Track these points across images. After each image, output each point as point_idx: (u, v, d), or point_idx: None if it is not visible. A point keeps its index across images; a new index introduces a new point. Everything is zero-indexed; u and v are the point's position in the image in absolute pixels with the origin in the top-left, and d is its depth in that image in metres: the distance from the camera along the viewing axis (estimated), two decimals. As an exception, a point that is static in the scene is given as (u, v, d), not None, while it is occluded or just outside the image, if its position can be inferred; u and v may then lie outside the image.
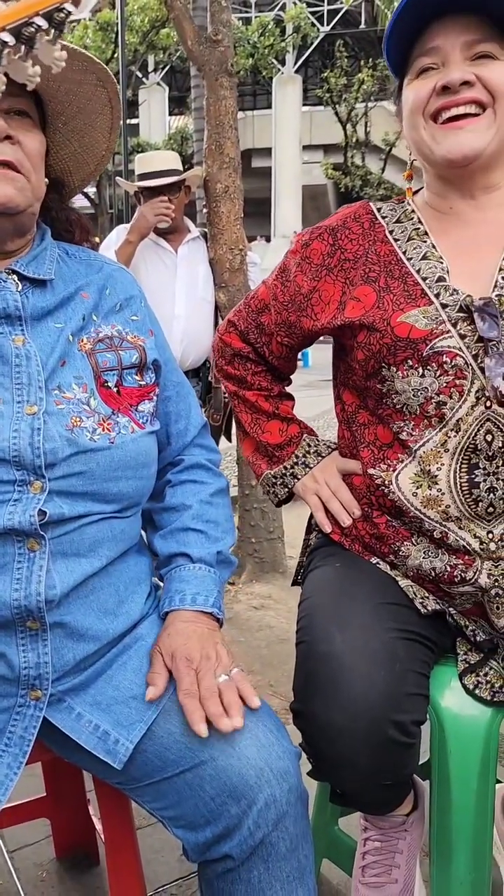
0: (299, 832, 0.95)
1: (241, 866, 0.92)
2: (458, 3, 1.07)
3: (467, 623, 1.16)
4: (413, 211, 1.21)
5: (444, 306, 1.09)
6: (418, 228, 1.18)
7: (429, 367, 1.08)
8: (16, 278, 1.02)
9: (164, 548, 1.13)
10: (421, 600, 1.14)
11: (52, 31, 0.56)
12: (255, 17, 19.23)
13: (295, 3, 19.51)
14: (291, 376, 1.47)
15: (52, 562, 0.94)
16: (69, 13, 0.57)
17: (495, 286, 1.09)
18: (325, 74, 17.97)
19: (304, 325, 1.24)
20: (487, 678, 1.15)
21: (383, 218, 1.22)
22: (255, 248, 3.11)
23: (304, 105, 23.64)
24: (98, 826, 1.50)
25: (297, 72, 23.42)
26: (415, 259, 1.15)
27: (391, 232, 1.19)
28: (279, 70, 21.56)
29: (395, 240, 1.18)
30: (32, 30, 0.55)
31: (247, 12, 21.90)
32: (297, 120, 23.23)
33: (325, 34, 22.40)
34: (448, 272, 1.12)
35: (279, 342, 1.31)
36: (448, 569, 1.11)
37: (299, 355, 1.45)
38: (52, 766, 1.48)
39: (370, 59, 17.82)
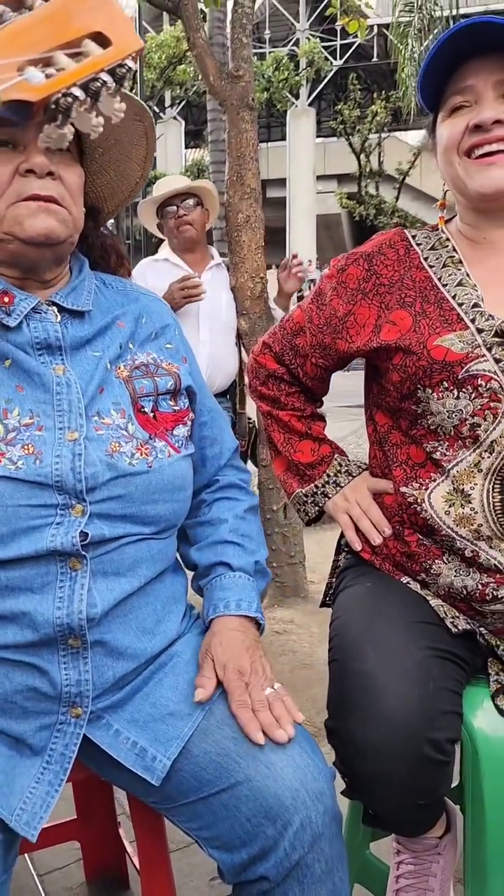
0: (335, 854, 0.95)
1: (276, 888, 0.92)
2: (492, 43, 1.11)
3: (499, 643, 1.17)
4: (448, 239, 1.25)
5: (479, 331, 1.12)
6: (453, 256, 1.22)
7: (464, 390, 1.10)
8: (55, 310, 1.05)
9: (202, 559, 1.16)
10: (451, 619, 1.15)
11: (115, 84, 0.60)
12: (270, 52, 19.62)
13: (308, 39, 19.91)
14: (323, 398, 1.50)
15: (92, 580, 0.97)
16: (130, 68, 0.60)
17: None
18: (339, 106, 18.27)
19: (339, 346, 1.27)
20: (520, 698, 1.15)
21: (418, 245, 1.25)
22: (271, 275, 3.19)
23: (318, 136, 23.98)
24: (129, 849, 1.51)
25: (310, 104, 23.77)
26: (450, 285, 1.18)
27: (426, 259, 1.23)
28: (293, 103, 21.92)
29: (430, 266, 1.21)
30: (98, 84, 0.59)
31: (261, 48, 22.33)
32: (311, 151, 23.54)
33: (339, 68, 22.77)
34: (483, 299, 1.15)
35: (314, 363, 1.34)
36: (479, 587, 1.12)
37: None
38: (82, 788, 1.48)
39: (383, 91, 18.09)
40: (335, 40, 23.28)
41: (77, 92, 0.58)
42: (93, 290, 1.11)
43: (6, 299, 1.01)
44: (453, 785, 1.43)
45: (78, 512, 0.96)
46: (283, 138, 23.90)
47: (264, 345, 1.41)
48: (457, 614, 1.17)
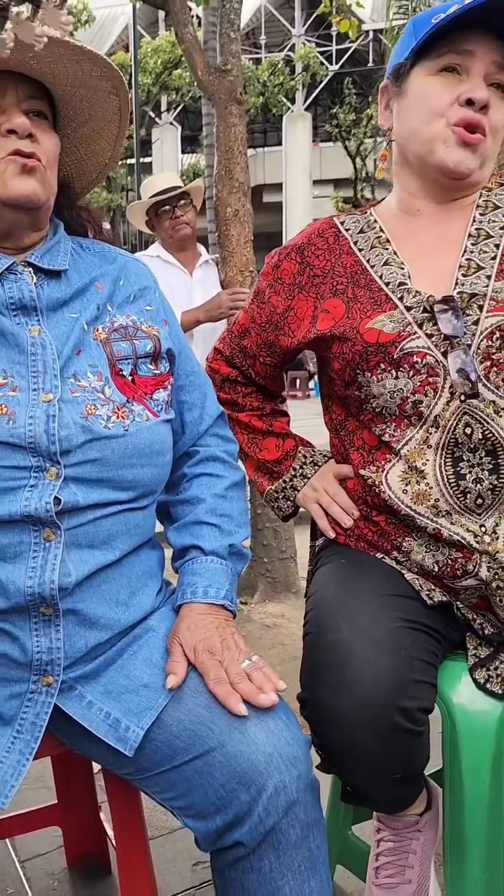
0: (310, 820, 0.94)
1: (252, 854, 0.92)
2: (497, 28, 1.10)
3: (475, 616, 1.17)
4: (375, 220, 1.26)
5: (408, 308, 1.13)
6: (380, 236, 1.23)
7: (401, 369, 1.11)
8: (31, 270, 1.05)
9: (177, 540, 1.15)
10: (427, 592, 1.15)
11: None
12: (266, 57, 19.69)
13: (304, 44, 19.98)
14: (284, 393, 1.51)
15: (66, 552, 0.96)
16: None
17: (456, 283, 1.12)
18: (335, 111, 18.31)
19: (282, 342, 1.29)
20: (498, 672, 1.14)
21: (347, 231, 1.26)
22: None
23: (314, 141, 24.04)
24: (110, 833, 1.50)
25: (306, 109, 23.85)
26: (377, 266, 1.19)
27: (355, 243, 1.24)
28: (289, 108, 21.98)
29: (360, 250, 1.22)
30: None
31: (257, 52, 22.41)
32: (307, 156, 23.60)
33: (334, 73, 22.84)
34: (409, 276, 1.16)
35: (262, 362, 1.36)
36: (449, 562, 1.12)
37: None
38: (63, 773, 1.47)
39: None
40: (331, 45, 23.37)
41: None
42: (69, 252, 1.11)
43: None
44: (438, 769, 1.43)
45: (52, 475, 0.95)
46: (279, 143, 23.96)
47: (216, 350, 1.43)
48: (433, 587, 1.16)
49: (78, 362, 1.02)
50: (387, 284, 1.16)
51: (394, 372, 1.11)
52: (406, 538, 1.16)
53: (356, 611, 1.08)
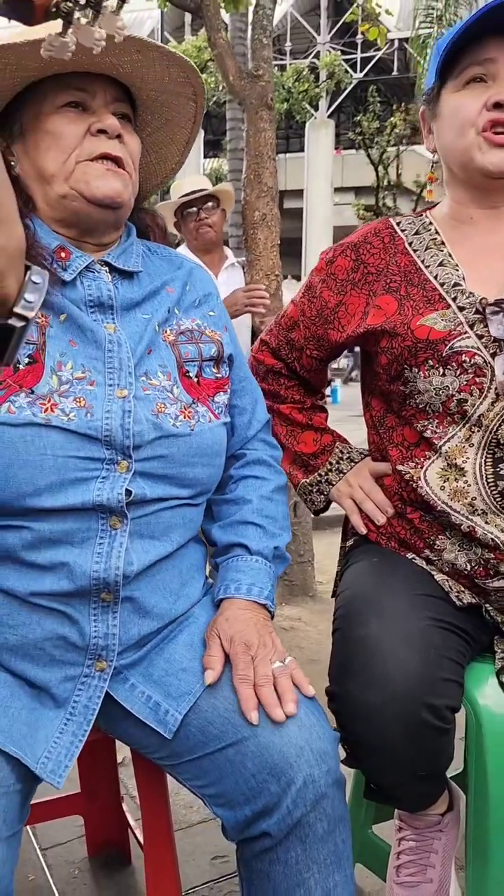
0: (337, 815, 0.96)
1: (278, 846, 0.93)
2: None
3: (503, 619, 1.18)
4: (430, 223, 1.28)
5: (461, 309, 1.15)
6: (435, 238, 1.25)
7: (449, 367, 1.13)
8: (107, 270, 1.08)
9: (222, 537, 1.16)
10: (457, 593, 1.16)
11: (116, 0, 0.61)
12: (291, 63, 19.75)
13: (329, 51, 20.04)
14: (324, 390, 1.52)
15: (129, 541, 0.99)
16: None
17: None
18: (358, 118, 18.34)
19: (331, 337, 1.31)
20: (525, 675, 1.15)
21: (402, 231, 1.28)
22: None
23: (336, 148, 24.08)
24: (132, 823, 1.51)
25: (329, 117, 23.90)
26: (432, 266, 1.21)
27: (410, 244, 1.26)
28: (312, 115, 22.04)
29: (414, 250, 1.25)
30: None
31: (282, 59, 22.50)
32: (329, 163, 23.64)
33: (359, 81, 22.89)
34: (464, 278, 1.18)
35: (309, 355, 1.37)
36: (482, 562, 1.13)
37: (328, 391, 1.53)
38: (86, 763, 1.50)
39: (402, 104, 18.15)
40: (355, 53, 23.41)
41: None
42: (141, 254, 1.14)
43: (63, 255, 1.04)
44: (458, 771, 1.43)
45: (123, 468, 0.98)
46: (302, 149, 24.02)
47: (262, 342, 1.45)
48: (462, 589, 1.18)
49: (149, 362, 1.05)
50: (441, 285, 1.18)
51: (441, 369, 1.13)
52: (439, 536, 1.17)
53: (386, 608, 1.10)
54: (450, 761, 1.13)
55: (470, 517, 1.13)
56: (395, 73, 24.11)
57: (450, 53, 1.19)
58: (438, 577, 1.18)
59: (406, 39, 15.15)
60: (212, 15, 3.00)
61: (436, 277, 1.19)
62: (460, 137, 1.19)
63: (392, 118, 17.83)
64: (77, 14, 0.59)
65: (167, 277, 1.14)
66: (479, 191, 1.22)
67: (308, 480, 1.40)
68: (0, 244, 0.51)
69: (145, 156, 1.19)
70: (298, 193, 23.93)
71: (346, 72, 19.42)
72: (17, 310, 0.57)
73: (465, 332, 1.13)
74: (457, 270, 1.19)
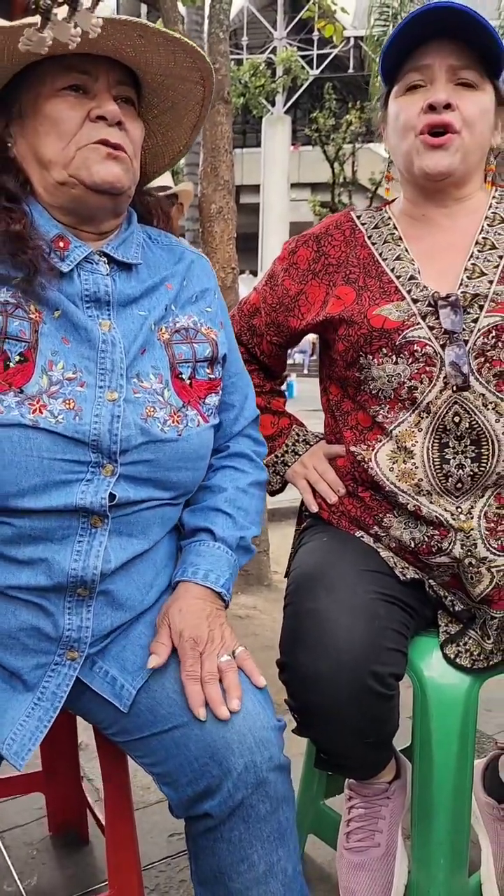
0: (280, 796, 0.98)
1: (222, 825, 0.96)
2: (449, 30, 1.18)
3: (446, 594, 1.24)
4: (389, 218, 1.34)
5: (414, 301, 1.21)
6: (393, 233, 1.30)
7: (401, 355, 1.18)
8: (105, 261, 1.06)
9: (190, 521, 1.16)
10: (401, 569, 1.22)
11: None
12: (247, 58, 19.74)
13: (286, 47, 20.08)
14: (282, 375, 1.57)
15: (108, 539, 1.00)
16: None
17: (460, 284, 1.20)
18: (315, 115, 18.44)
19: (291, 324, 1.36)
20: (467, 647, 1.21)
21: (363, 225, 1.34)
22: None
23: (293, 144, 24.15)
24: (91, 803, 1.54)
25: (286, 112, 23.96)
26: (389, 260, 1.27)
27: (369, 237, 1.32)
28: (269, 110, 22.06)
29: (373, 244, 1.30)
30: None
31: (239, 54, 22.48)
32: (286, 158, 23.71)
33: (315, 77, 22.99)
34: (419, 272, 1.24)
35: (269, 341, 1.43)
36: (426, 539, 1.19)
37: (284, 386, 1.58)
38: (48, 742, 1.50)
39: (357, 102, 18.31)
40: (312, 50, 23.52)
41: None
42: (141, 244, 1.12)
43: (62, 244, 1.02)
44: (407, 745, 1.49)
45: (108, 472, 0.98)
46: (258, 145, 24.05)
47: None
48: (406, 565, 1.24)
49: (142, 363, 1.05)
50: (398, 277, 1.24)
51: (394, 357, 1.19)
52: (387, 514, 1.23)
53: (334, 582, 1.15)
54: (395, 730, 1.19)
55: (416, 497, 1.19)
56: (350, 70, 24.31)
57: (393, 59, 1.24)
58: (384, 553, 1.24)
59: (362, 38, 15.26)
60: (168, 7, 3.01)
61: (392, 270, 1.25)
62: (403, 141, 1.25)
63: (348, 115, 17.97)
64: (55, 10, 0.61)
65: (167, 273, 1.13)
66: (426, 191, 1.28)
67: (265, 462, 1.45)
68: None
69: (151, 137, 1.17)
70: (255, 189, 23.96)
71: (303, 68, 19.47)
72: None
73: (418, 324, 1.19)
74: (413, 265, 1.25)
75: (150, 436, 1.01)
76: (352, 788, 1.32)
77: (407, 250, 1.27)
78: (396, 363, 1.19)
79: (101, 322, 1.02)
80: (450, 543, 1.17)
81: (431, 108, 1.19)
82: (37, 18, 0.62)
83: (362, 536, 1.28)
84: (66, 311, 1.00)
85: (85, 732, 1.49)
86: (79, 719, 1.21)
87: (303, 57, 21.17)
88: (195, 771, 0.96)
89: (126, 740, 1.06)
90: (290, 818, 1.00)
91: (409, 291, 1.22)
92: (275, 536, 3.71)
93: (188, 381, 1.09)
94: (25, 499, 0.94)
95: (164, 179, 3.02)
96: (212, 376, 1.13)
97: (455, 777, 1.20)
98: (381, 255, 1.28)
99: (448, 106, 1.19)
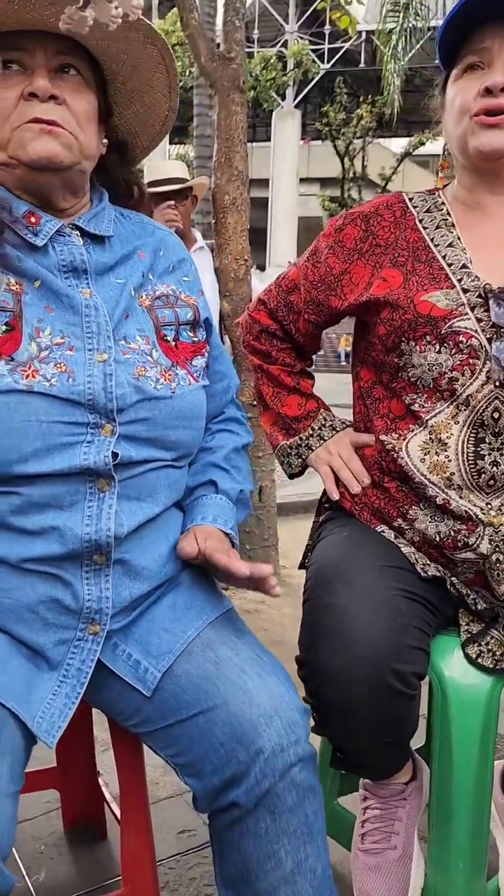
0: (306, 786, 0.97)
1: (248, 816, 0.94)
2: None
3: (468, 592, 1.21)
4: (443, 203, 1.29)
5: (464, 290, 1.17)
6: (446, 219, 1.26)
7: (445, 345, 1.15)
8: (78, 234, 1.07)
9: (191, 479, 1.19)
10: (422, 566, 1.20)
11: None
12: (258, 51, 19.67)
13: (297, 41, 20.00)
14: (313, 356, 1.54)
15: (118, 503, 1.00)
16: None
17: None
18: (325, 109, 18.38)
19: (332, 303, 1.31)
20: (489, 647, 1.19)
21: (414, 207, 1.29)
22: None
23: (303, 138, 24.09)
24: (108, 797, 1.52)
25: (296, 106, 23.89)
26: (441, 246, 1.23)
27: (421, 221, 1.27)
28: (279, 104, 21.98)
29: (424, 228, 1.26)
30: None
31: (250, 47, 22.39)
32: (295, 152, 23.65)
33: (325, 71, 22.90)
34: (471, 261, 1.20)
35: (306, 319, 1.37)
36: (452, 533, 1.16)
37: None
38: (63, 737, 1.49)
39: (368, 97, 18.24)
40: (323, 44, 23.41)
41: None
42: (112, 219, 1.13)
43: (33, 219, 1.02)
44: (421, 745, 1.47)
45: (107, 432, 0.99)
46: (268, 139, 23.99)
47: (259, 301, 1.45)
48: (427, 562, 1.21)
49: (127, 326, 1.05)
50: (449, 265, 1.20)
51: (437, 346, 1.16)
52: (413, 506, 1.20)
53: (354, 577, 1.13)
54: (414, 729, 1.16)
55: (446, 490, 1.16)
56: (361, 65, 24.20)
57: (450, 41, 1.21)
58: (405, 549, 1.21)
59: (373, 32, 15.19)
60: (184, -5, 2.97)
61: (444, 257, 1.21)
62: (458, 124, 1.22)
63: (358, 110, 17.90)
64: None
65: (138, 242, 1.14)
66: (483, 175, 1.24)
67: (288, 443, 1.42)
68: None
69: (130, 105, 1.16)
70: (264, 183, 23.91)
71: (314, 62, 19.41)
72: None
73: (466, 314, 1.15)
74: (465, 253, 1.21)
75: (145, 393, 1.01)
76: (367, 789, 1.29)
77: (459, 238, 1.24)
78: (439, 352, 1.16)
79: (81, 290, 1.03)
80: (477, 539, 1.14)
81: (488, 91, 1.16)
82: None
83: (383, 531, 1.25)
84: (46, 281, 1.01)
85: (97, 727, 1.47)
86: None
87: (314, 51, 21.09)
88: (221, 758, 0.95)
89: (149, 731, 1.04)
90: (317, 813, 0.99)
91: (459, 280, 1.18)
92: (283, 530, 3.69)
93: (173, 343, 1.10)
94: (29, 464, 0.94)
95: (181, 171, 2.99)
96: (195, 339, 1.14)
97: (475, 779, 1.17)
98: (432, 240, 1.24)
99: None
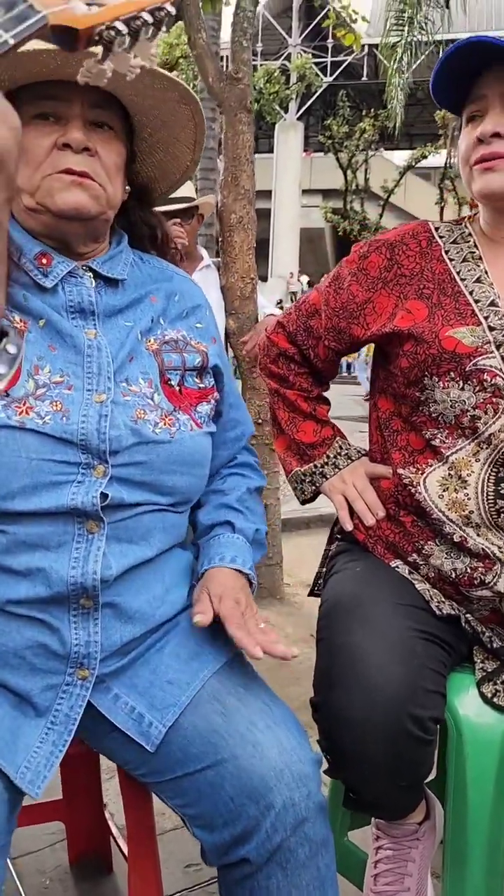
0: (319, 839, 0.94)
1: (259, 872, 0.92)
2: (501, 58, 1.14)
3: (483, 629, 1.19)
4: (470, 234, 1.28)
5: (491, 328, 1.16)
6: (473, 252, 1.25)
7: (469, 382, 1.14)
8: (91, 276, 1.06)
9: (205, 519, 1.18)
10: (437, 603, 1.18)
11: (153, 28, 0.61)
12: (261, 64, 19.77)
13: (300, 54, 20.12)
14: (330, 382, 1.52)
15: (107, 545, 0.98)
16: (169, 12, 0.62)
17: None
18: (328, 122, 18.47)
19: (354, 332, 1.30)
20: (504, 685, 1.17)
21: (440, 238, 1.28)
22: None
23: (305, 150, 24.19)
24: (115, 831, 1.50)
25: (299, 119, 23.99)
26: (468, 281, 1.22)
27: (447, 252, 1.26)
28: (282, 116, 22.08)
29: (451, 259, 1.25)
30: (139, 23, 0.60)
31: (253, 60, 22.54)
32: (298, 164, 23.74)
33: (328, 84, 23.01)
34: (500, 297, 1.19)
35: (326, 346, 1.36)
36: (469, 571, 1.14)
37: None
38: (69, 770, 1.48)
39: (371, 110, 18.34)
40: (326, 57, 23.55)
41: (120, 26, 0.59)
42: (129, 263, 1.12)
43: (44, 261, 1.02)
44: (432, 777, 1.45)
45: (99, 473, 0.97)
46: (271, 150, 24.08)
47: (279, 324, 1.43)
48: (442, 599, 1.19)
49: (130, 368, 1.05)
50: (476, 301, 1.19)
51: (461, 383, 1.14)
52: (429, 542, 1.19)
53: (369, 616, 1.11)
54: (430, 771, 1.14)
55: (463, 528, 1.14)
56: (364, 78, 24.33)
57: (445, 91, 1.22)
58: (420, 586, 1.20)
59: (376, 45, 15.28)
60: (193, 15, 2.98)
61: (471, 293, 1.20)
62: (462, 170, 1.24)
63: (361, 123, 17.99)
64: (117, 39, 0.59)
65: (152, 287, 1.13)
66: (494, 214, 1.24)
67: (302, 469, 1.40)
68: None
69: (153, 154, 1.17)
70: (266, 194, 23.98)
71: (317, 75, 19.52)
72: None
73: (492, 352, 1.14)
74: (492, 289, 1.20)
75: (142, 437, 1.00)
76: (380, 828, 1.27)
77: (487, 272, 1.22)
78: (462, 389, 1.14)
79: (86, 331, 1.03)
80: (494, 577, 1.12)
81: (480, 140, 1.17)
82: (98, 49, 0.60)
83: (397, 566, 1.23)
84: (51, 321, 1.01)
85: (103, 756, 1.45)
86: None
87: (316, 64, 21.20)
88: (231, 812, 0.93)
89: (155, 781, 1.02)
90: (329, 866, 0.97)
91: (486, 317, 1.17)
92: (287, 546, 3.67)
93: (177, 388, 1.09)
94: (16, 501, 0.93)
95: (187, 190, 2.99)
96: (201, 385, 1.13)
97: (490, 820, 1.15)
98: (458, 273, 1.23)
99: (497, 134, 1.16)
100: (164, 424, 1.03)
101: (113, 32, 0.59)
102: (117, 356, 1.03)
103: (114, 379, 1.01)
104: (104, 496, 0.96)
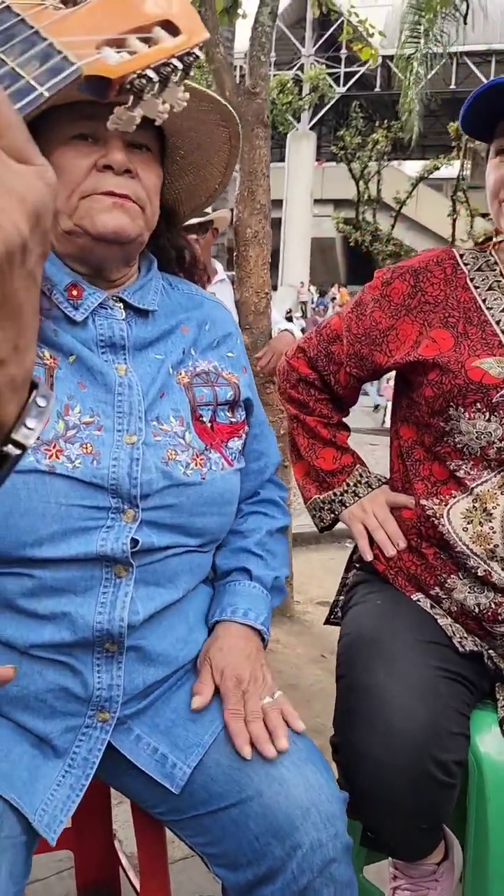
0: (345, 881, 0.92)
1: None
2: None
3: (508, 666, 1.16)
4: (495, 263, 1.26)
5: None
6: (500, 281, 1.23)
7: (496, 414, 1.12)
8: (122, 306, 1.04)
9: (223, 563, 1.14)
10: (459, 639, 1.15)
11: (182, 72, 0.61)
12: (275, 74, 19.85)
13: (314, 64, 20.19)
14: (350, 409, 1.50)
15: (135, 589, 0.96)
16: (197, 56, 0.61)
17: None
18: (341, 132, 18.51)
19: (376, 359, 1.28)
20: (527, 724, 1.14)
21: (465, 265, 1.26)
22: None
23: (317, 160, 24.25)
24: (124, 862, 1.47)
25: (311, 129, 24.06)
26: (495, 310, 1.20)
27: (472, 279, 1.24)
28: (294, 126, 22.15)
29: (476, 287, 1.23)
30: (168, 69, 0.59)
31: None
32: (310, 174, 23.79)
33: (341, 95, 23.07)
34: None
35: (347, 372, 1.34)
36: (493, 606, 1.12)
37: None
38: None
39: (384, 121, 18.37)
40: (339, 68, 23.62)
41: (151, 74, 0.58)
42: (159, 291, 1.10)
43: (75, 293, 0.99)
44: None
45: (129, 517, 0.95)
46: (283, 160, 24.16)
47: (299, 349, 1.42)
48: (465, 634, 1.16)
49: (161, 406, 1.02)
50: (503, 331, 1.17)
51: (487, 414, 1.12)
52: (451, 575, 1.16)
53: (391, 654, 1.09)
54: (450, 812, 1.11)
55: (488, 562, 1.12)
56: (377, 89, 24.38)
57: (477, 127, 1.21)
58: (442, 621, 1.17)
59: (390, 57, 15.32)
60: (210, 29, 2.97)
61: (498, 322, 1.18)
62: (491, 204, 1.23)
63: (374, 134, 18.02)
64: (147, 87, 0.58)
65: (183, 316, 1.11)
66: None
67: (321, 497, 1.38)
68: (11, 374, 0.46)
69: (183, 177, 1.15)
70: (278, 204, 24.00)
71: (330, 86, 19.58)
72: (15, 436, 0.50)
73: None
74: None
75: (173, 479, 0.98)
76: (398, 868, 1.24)
77: None
78: (489, 420, 1.12)
79: (116, 366, 1.00)
80: None
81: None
82: (128, 97, 0.59)
83: (419, 599, 1.20)
84: (81, 356, 0.98)
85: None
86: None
87: (330, 74, 21.26)
88: (256, 851, 0.90)
89: (176, 819, 0.99)
90: None
91: None
92: (297, 562, 3.62)
93: (209, 424, 1.06)
94: (44, 547, 0.90)
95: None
96: (233, 420, 1.10)
97: (512, 863, 1.12)
98: (484, 301, 1.21)
99: None
100: (196, 465, 1.01)
101: (144, 81, 0.58)
102: (148, 392, 1.01)
103: (145, 418, 0.99)
104: (134, 542, 0.94)
